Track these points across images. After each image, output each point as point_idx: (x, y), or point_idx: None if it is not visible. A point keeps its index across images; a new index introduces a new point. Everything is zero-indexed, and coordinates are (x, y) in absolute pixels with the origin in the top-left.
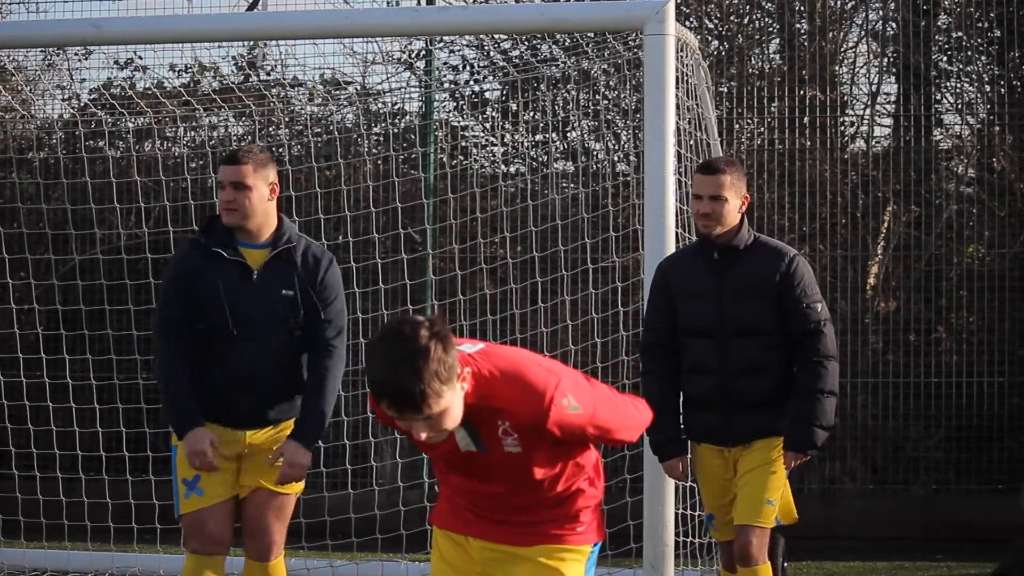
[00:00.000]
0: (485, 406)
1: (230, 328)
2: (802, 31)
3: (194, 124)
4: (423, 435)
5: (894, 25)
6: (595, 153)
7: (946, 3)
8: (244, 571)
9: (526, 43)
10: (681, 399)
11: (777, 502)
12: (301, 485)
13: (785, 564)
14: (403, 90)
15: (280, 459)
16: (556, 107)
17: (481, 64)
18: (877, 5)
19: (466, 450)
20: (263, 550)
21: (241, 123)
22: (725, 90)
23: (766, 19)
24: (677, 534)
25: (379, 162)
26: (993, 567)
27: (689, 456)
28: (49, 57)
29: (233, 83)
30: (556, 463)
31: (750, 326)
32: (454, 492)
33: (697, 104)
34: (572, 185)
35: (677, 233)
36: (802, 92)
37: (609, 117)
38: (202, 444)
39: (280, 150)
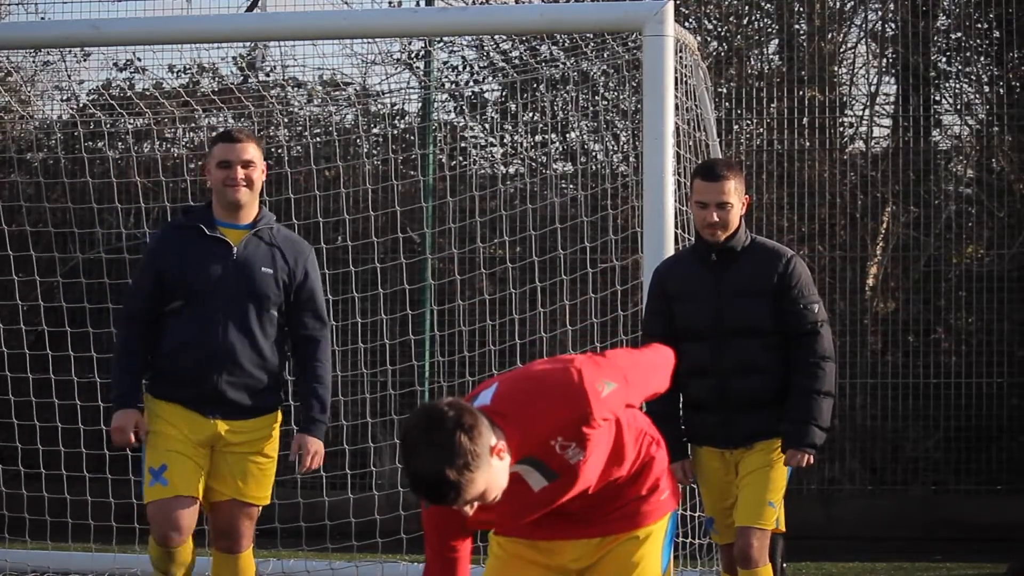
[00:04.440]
0: (532, 442)
1: (208, 303)
2: (801, 32)
3: (193, 125)
4: (470, 511)
5: (893, 26)
6: (594, 154)
7: (945, 4)
8: (213, 563)
9: (525, 44)
10: (680, 402)
11: (778, 504)
12: (268, 498)
13: (784, 565)
14: (403, 91)
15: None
16: (555, 108)
17: (481, 65)
18: (876, 6)
19: (540, 488)
20: (233, 546)
21: (240, 124)
22: (724, 91)
23: (765, 20)
24: (677, 535)
25: (378, 163)
26: (992, 567)
27: (690, 459)
28: (45, 56)
29: (232, 84)
30: (618, 450)
31: (748, 327)
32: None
33: (696, 105)
34: (571, 186)
35: (676, 234)
36: (801, 93)
37: (608, 118)
38: (128, 422)
39: (279, 151)
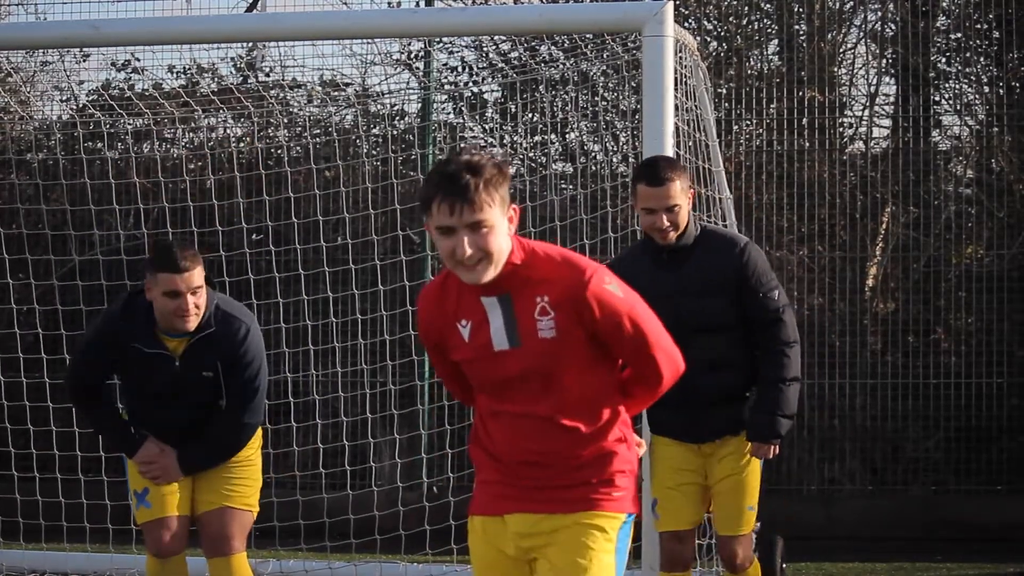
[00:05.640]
0: (526, 276)
1: (157, 403)
2: (801, 32)
3: (193, 125)
4: (467, 250)
5: (893, 26)
6: (594, 155)
7: (945, 4)
8: (209, 569)
9: (525, 44)
10: None
11: (756, 505)
12: (256, 505)
13: (784, 565)
14: (402, 92)
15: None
16: (555, 108)
17: (480, 66)
18: (876, 6)
19: (499, 349)
20: (226, 548)
21: (240, 124)
22: (724, 91)
23: (764, 20)
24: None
25: (378, 163)
26: (993, 568)
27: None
28: (45, 57)
29: (232, 84)
30: (590, 378)
31: (710, 323)
32: (489, 459)
33: (696, 105)
34: (571, 186)
35: None
36: (801, 93)
37: (608, 118)
38: (152, 452)
39: (279, 151)
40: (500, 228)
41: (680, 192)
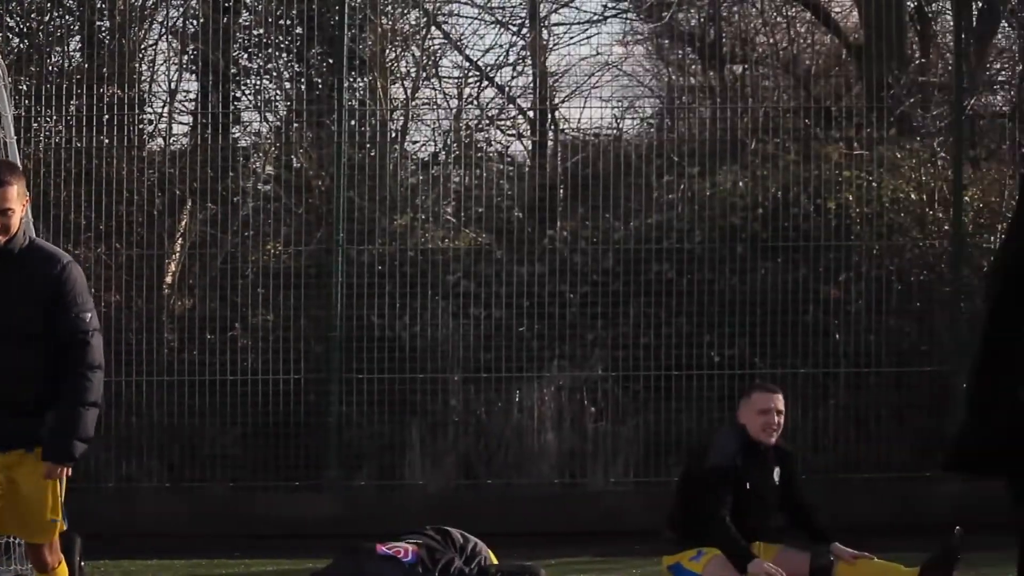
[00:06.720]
0: None
1: None
2: (103, 28)
3: None
4: None
5: (195, 23)
6: None
7: (248, 0)
8: None
9: None
10: None
11: (60, 515)
12: None
13: (83, 564)
14: None
15: None
16: None
17: None
18: (178, 3)
19: None
20: None
21: None
22: (24, 88)
23: (67, 17)
24: None
25: None
26: (292, 564)
27: None
28: None
29: None
30: None
31: (19, 333)
32: None
33: None
34: None
35: None
36: (102, 90)
37: None
38: None
39: None
40: None
41: (16, 197)
